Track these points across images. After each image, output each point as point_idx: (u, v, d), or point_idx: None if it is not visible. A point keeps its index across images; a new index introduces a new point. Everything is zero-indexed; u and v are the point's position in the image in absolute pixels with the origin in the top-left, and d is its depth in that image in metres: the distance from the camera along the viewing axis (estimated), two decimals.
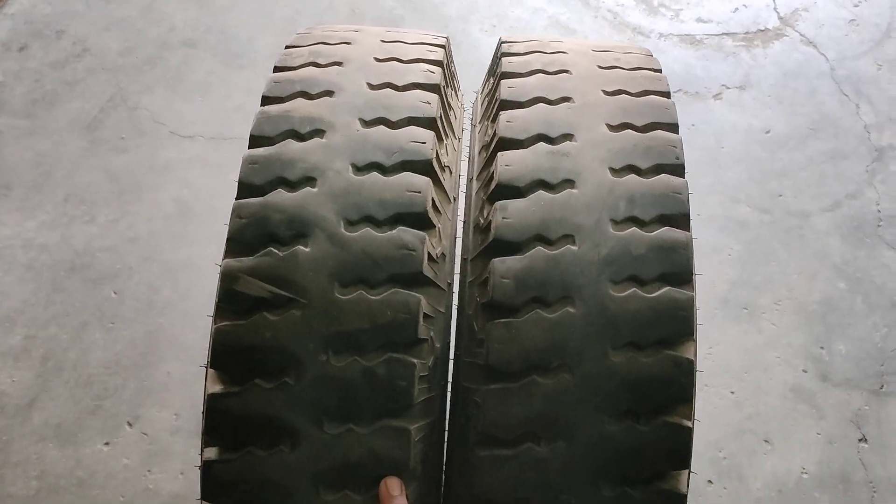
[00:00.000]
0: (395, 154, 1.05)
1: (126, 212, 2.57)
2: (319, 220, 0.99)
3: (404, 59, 1.21)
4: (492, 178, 1.08)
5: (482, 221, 1.09)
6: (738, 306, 2.43)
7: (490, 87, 1.32)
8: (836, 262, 2.54)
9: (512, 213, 1.02)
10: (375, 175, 1.03)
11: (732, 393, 2.26)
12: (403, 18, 3.24)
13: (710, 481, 2.11)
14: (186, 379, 2.22)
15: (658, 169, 1.06)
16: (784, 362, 2.32)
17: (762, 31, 3.25)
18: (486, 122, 1.25)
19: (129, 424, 2.14)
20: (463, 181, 1.42)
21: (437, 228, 1.06)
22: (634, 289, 0.98)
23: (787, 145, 2.86)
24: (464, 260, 1.15)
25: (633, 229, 1.01)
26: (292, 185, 1.03)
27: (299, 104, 1.11)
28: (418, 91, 1.15)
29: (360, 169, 1.04)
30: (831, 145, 2.86)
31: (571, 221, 1.01)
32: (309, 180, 1.03)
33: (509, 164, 1.06)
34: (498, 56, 1.31)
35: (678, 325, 0.97)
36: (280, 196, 1.01)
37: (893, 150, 2.85)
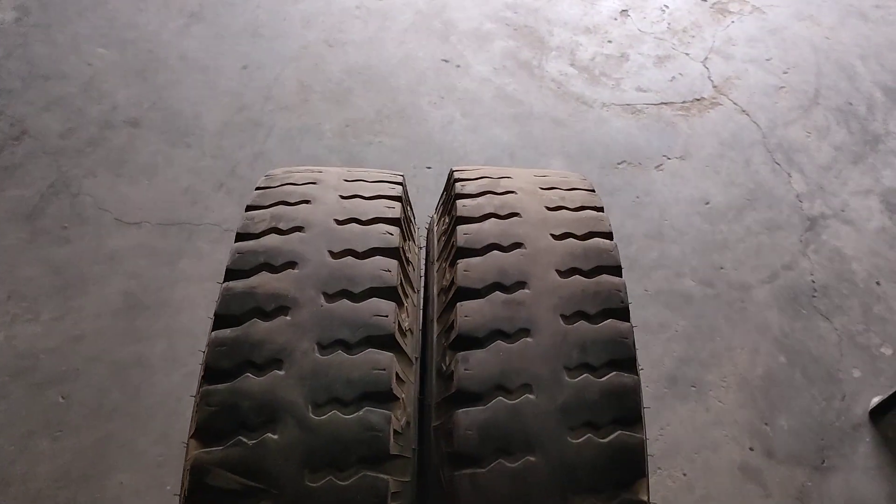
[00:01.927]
0: (359, 330, 1.07)
1: (70, 308, 2.50)
2: (288, 405, 1.01)
3: (363, 219, 1.24)
4: (452, 326, 1.12)
5: (444, 368, 1.13)
6: (686, 384, 2.52)
7: (446, 226, 1.36)
8: (776, 335, 2.66)
9: (473, 365, 1.07)
10: (341, 354, 1.05)
11: (684, 475, 2.33)
12: (352, 91, 3.25)
13: None
14: (139, 489, 2.16)
15: (605, 314, 1.13)
16: (731, 440, 2.41)
17: (698, 100, 3.39)
18: (443, 265, 1.29)
19: None
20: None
21: (401, 400, 1.08)
22: (589, 435, 1.04)
23: (725, 217, 2.98)
24: (427, 404, 1.19)
25: (586, 376, 1.07)
26: (260, 368, 1.04)
27: (264, 279, 1.12)
28: (378, 258, 1.17)
29: (325, 347, 1.06)
30: (766, 215, 3.00)
31: (529, 372, 1.06)
32: (276, 362, 1.04)
33: (468, 314, 1.11)
34: (452, 194, 1.35)
35: (632, 468, 1.04)
36: (248, 382, 1.02)
37: (824, 220, 3.00)
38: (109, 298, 2.54)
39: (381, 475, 1.00)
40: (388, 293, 1.14)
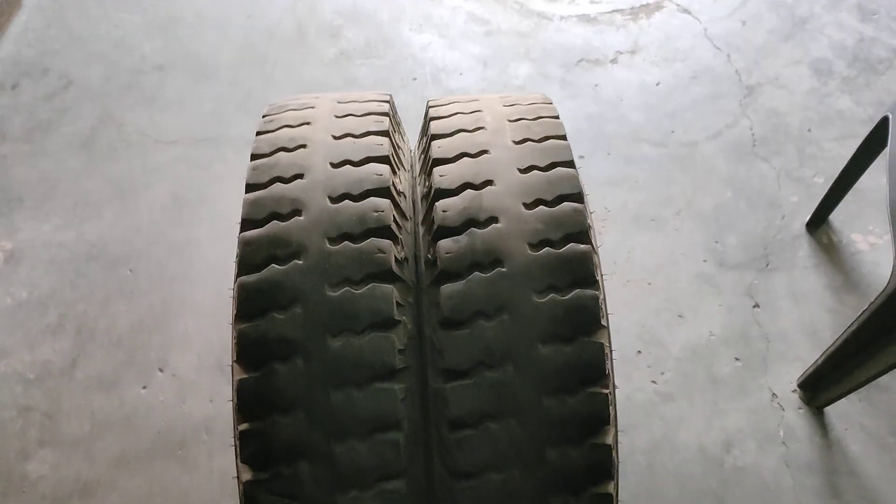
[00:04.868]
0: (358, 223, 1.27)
1: (128, 207, 3.00)
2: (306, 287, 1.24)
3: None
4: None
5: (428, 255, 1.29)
6: (647, 219, 2.97)
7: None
8: (722, 177, 3.12)
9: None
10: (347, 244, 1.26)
11: (649, 284, 2.79)
12: (343, 27, 3.75)
13: (638, 351, 2.62)
14: (202, 329, 2.64)
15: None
16: (688, 256, 2.87)
17: (645, 5, 3.86)
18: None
19: (160, 370, 2.55)
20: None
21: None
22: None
23: (674, 93, 3.45)
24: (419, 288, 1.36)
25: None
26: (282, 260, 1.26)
27: (278, 189, 1.34)
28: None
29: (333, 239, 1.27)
30: (710, 88, 3.46)
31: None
32: (295, 255, 1.26)
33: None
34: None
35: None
36: (273, 270, 1.25)
37: (760, 87, 3.47)
38: (159, 198, 3.03)
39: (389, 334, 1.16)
40: (382, 192, 1.28)
